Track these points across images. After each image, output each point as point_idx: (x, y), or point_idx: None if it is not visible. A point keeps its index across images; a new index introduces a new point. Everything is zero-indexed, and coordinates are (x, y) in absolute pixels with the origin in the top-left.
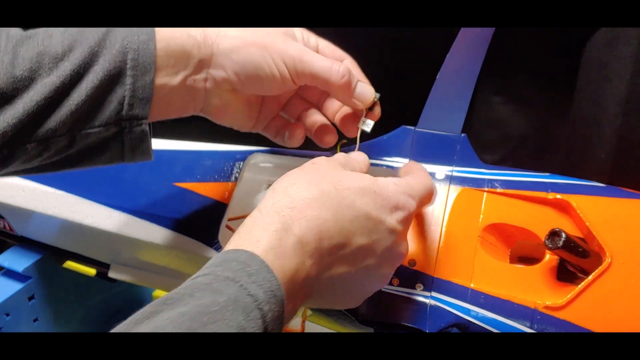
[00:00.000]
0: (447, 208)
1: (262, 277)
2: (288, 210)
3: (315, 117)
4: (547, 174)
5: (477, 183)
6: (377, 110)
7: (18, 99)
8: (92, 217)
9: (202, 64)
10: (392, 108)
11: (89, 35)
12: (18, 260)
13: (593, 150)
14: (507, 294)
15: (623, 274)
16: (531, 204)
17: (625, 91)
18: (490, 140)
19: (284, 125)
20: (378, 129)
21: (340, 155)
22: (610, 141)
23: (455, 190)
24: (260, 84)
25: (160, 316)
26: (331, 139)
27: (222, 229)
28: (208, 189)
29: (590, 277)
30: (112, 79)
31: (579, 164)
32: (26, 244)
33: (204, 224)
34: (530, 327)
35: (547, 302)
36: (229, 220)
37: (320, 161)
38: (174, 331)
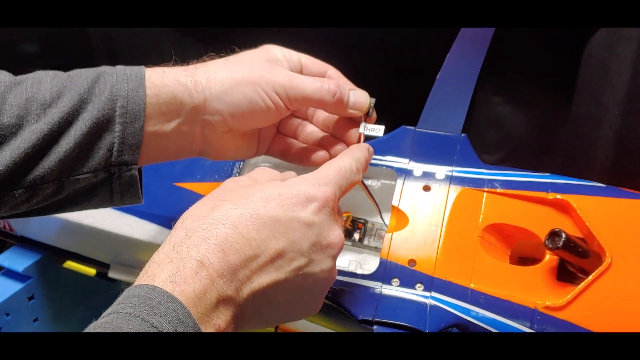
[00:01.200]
0: (447, 208)
1: (166, 308)
2: (185, 240)
3: (310, 130)
4: (547, 174)
5: (477, 183)
6: (374, 114)
7: (5, 146)
8: (92, 217)
9: (196, 110)
10: (392, 108)
11: (77, 82)
12: (18, 260)
13: (593, 150)
14: (507, 294)
15: (623, 274)
16: (531, 204)
17: (625, 91)
18: (490, 140)
19: (285, 144)
20: None
21: (256, 170)
22: (610, 141)
23: (455, 190)
24: (256, 118)
25: None
26: (321, 159)
27: None
28: (208, 189)
29: (590, 277)
30: (101, 126)
31: (579, 164)
32: (26, 244)
33: None
34: (530, 327)
35: (547, 302)
36: None
37: (225, 184)
38: None
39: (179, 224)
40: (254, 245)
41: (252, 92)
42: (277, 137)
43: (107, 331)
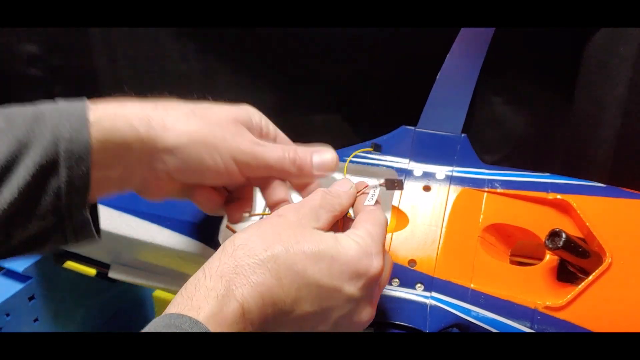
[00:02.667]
0: (447, 208)
1: None
2: (232, 275)
3: None
4: (547, 174)
5: (477, 183)
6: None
7: None
8: None
9: (143, 156)
10: (392, 108)
11: (14, 124)
12: (18, 260)
13: (593, 150)
14: (507, 294)
15: (623, 274)
16: (531, 204)
17: (625, 91)
18: (490, 140)
19: (266, 181)
20: (378, 129)
21: (317, 195)
22: (610, 141)
23: (455, 190)
24: (203, 178)
25: None
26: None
27: (222, 229)
28: None
29: (590, 278)
30: (45, 172)
31: (579, 164)
32: None
33: (204, 224)
34: (531, 328)
35: (548, 303)
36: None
37: (287, 213)
38: None
39: (229, 248)
40: (289, 302)
41: (205, 154)
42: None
43: None
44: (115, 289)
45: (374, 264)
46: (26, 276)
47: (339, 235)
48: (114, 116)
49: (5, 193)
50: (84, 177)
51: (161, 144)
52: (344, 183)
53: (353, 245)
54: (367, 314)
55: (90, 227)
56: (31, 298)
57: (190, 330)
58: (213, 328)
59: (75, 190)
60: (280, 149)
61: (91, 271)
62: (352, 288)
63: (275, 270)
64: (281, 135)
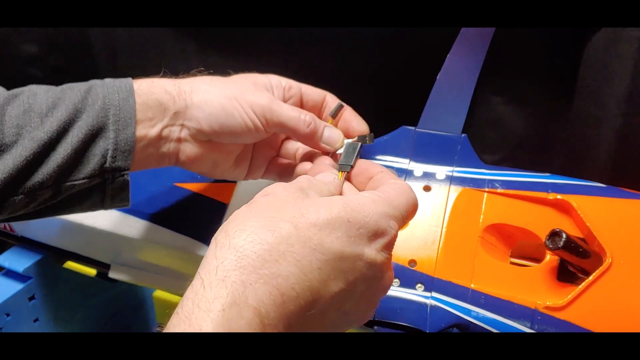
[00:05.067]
0: (448, 208)
1: None
2: (237, 274)
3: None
4: (547, 174)
5: (477, 183)
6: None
7: (7, 154)
8: (92, 217)
9: (177, 115)
10: (392, 108)
11: (71, 94)
12: (18, 261)
13: (593, 150)
14: (508, 295)
15: (623, 274)
16: (531, 204)
17: (625, 91)
18: (490, 140)
19: (285, 167)
20: (378, 129)
21: (302, 179)
22: (610, 141)
23: (455, 190)
24: (233, 132)
25: None
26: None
27: None
28: (208, 189)
29: (590, 278)
30: (96, 133)
31: (579, 164)
32: (26, 244)
33: (204, 224)
34: (531, 328)
35: (548, 303)
36: None
37: (276, 190)
38: None
39: (223, 240)
40: (314, 289)
41: (230, 107)
42: (275, 160)
43: None
44: (115, 289)
45: (392, 223)
46: (26, 276)
47: (347, 196)
48: (151, 83)
49: (60, 150)
50: (128, 141)
51: (190, 100)
52: (327, 175)
53: (368, 203)
54: (388, 278)
55: (127, 192)
56: (31, 298)
57: None
58: None
59: (120, 152)
60: (297, 110)
61: (91, 271)
62: (372, 251)
63: (290, 253)
64: (305, 87)
